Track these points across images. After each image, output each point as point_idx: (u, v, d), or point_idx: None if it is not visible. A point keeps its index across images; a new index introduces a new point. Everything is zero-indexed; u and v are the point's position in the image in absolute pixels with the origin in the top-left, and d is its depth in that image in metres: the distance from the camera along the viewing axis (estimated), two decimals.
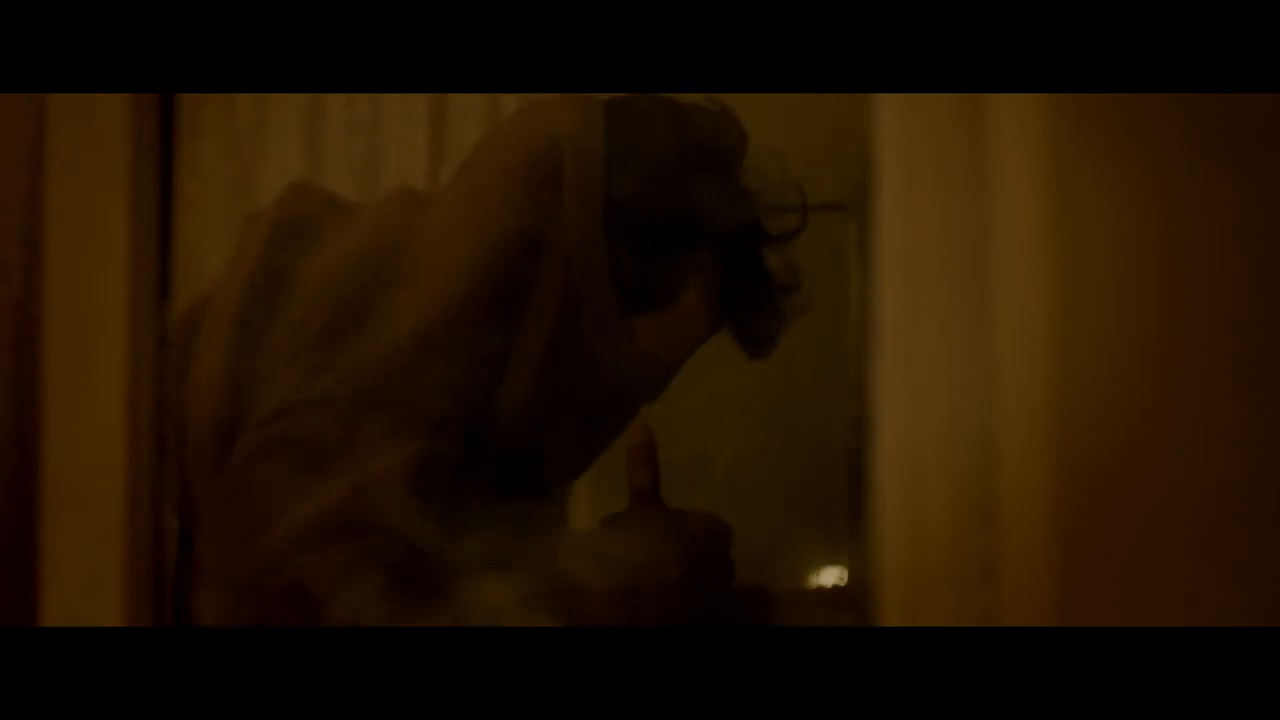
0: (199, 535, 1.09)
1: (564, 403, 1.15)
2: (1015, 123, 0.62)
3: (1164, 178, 0.61)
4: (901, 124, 0.63)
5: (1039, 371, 0.61)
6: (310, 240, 1.14)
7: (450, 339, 1.07)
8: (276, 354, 1.08)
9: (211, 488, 1.08)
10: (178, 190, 2.55)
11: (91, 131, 0.67)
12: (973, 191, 0.63)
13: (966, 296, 0.63)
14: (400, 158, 2.58)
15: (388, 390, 1.05)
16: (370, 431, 1.04)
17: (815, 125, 1.26)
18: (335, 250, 1.13)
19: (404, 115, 2.58)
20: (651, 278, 1.14)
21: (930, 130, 0.63)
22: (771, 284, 1.19)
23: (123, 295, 0.67)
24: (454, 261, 1.09)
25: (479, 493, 1.08)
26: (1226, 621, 0.60)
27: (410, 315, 1.07)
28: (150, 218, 0.68)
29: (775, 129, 1.27)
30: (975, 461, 0.62)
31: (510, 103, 2.58)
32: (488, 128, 2.45)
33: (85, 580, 0.66)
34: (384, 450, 1.03)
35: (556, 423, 1.15)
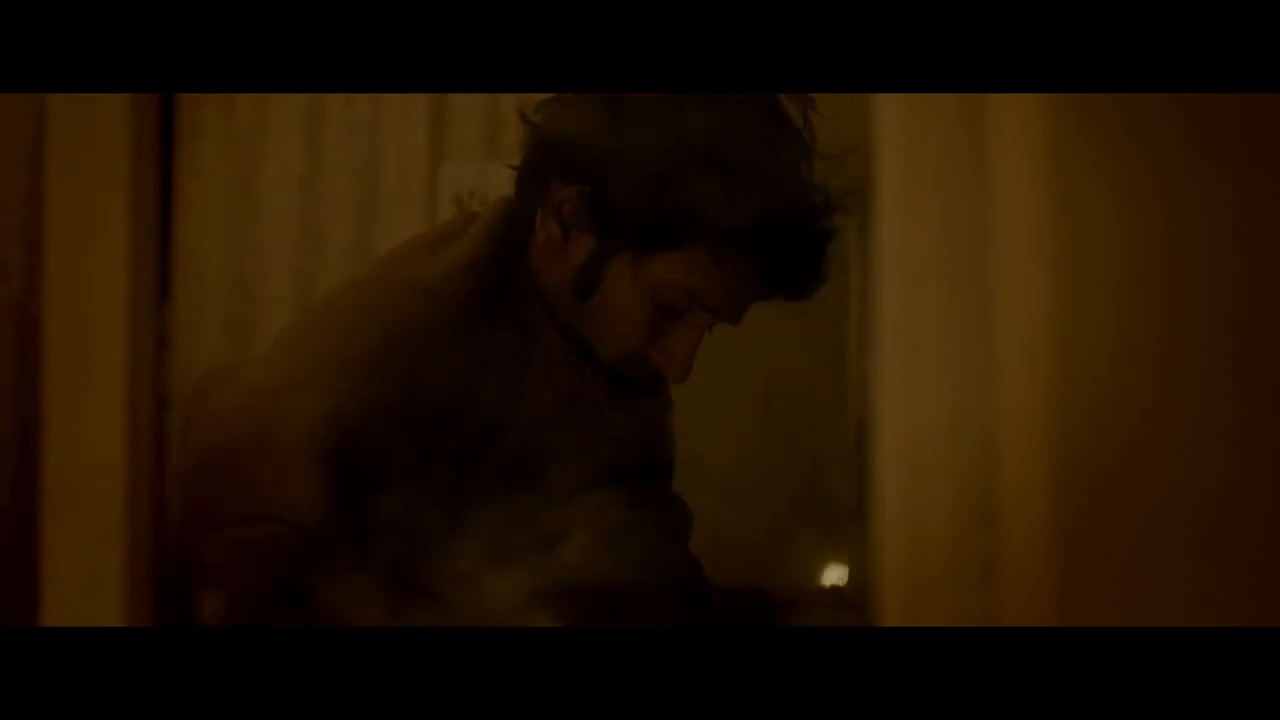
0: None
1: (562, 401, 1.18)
2: (1015, 123, 0.62)
3: (1164, 178, 0.61)
4: (901, 124, 0.63)
5: (1039, 371, 0.61)
6: None
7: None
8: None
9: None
10: (178, 190, 2.55)
11: (91, 131, 0.67)
12: (973, 191, 0.63)
13: (966, 296, 0.63)
14: (400, 158, 2.58)
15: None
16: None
17: (815, 125, 1.26)
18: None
19: (404, 115, 2.58)
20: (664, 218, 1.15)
21: (930, 130, 0.63)
22: (823, 257, 1.20)
23: (123, 295, 0.67)
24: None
25: (480, 489, 1.11)
26: (1226, 621, 0.60)
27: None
28: (150, 218, 0.68)
29: None
30: (975, 461, 0.62)
31: (510, 102, 2.58)
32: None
33: (85, 580, 0.66)
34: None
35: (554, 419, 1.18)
